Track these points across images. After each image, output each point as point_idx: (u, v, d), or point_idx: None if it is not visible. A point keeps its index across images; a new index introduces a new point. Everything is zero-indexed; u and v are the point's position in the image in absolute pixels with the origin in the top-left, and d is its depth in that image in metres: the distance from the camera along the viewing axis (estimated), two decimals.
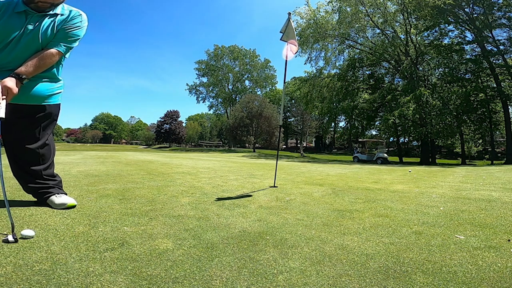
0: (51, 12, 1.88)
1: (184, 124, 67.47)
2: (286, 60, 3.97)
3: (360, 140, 25.76)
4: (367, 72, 26.22)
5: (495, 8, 17.64)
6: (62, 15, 1.92)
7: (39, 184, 2.06)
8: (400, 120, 20.83)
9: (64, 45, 1.91)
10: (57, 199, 2.08)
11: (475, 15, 18.57)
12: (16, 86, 1.69)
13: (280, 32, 3.84)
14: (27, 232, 1.49)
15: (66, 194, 2.22)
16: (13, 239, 1.41)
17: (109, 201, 2.41)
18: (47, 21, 1.86)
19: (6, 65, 1.79)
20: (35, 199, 2.15)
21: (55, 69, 1.98)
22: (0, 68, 1.78)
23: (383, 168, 11.07)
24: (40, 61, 1.81)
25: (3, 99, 1.61)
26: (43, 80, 1.92)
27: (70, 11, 1.96)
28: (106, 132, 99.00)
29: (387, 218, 2.24)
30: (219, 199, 2.78)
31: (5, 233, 1.51)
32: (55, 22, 1.88)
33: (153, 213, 2.10)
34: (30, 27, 1.81)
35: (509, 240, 1.72)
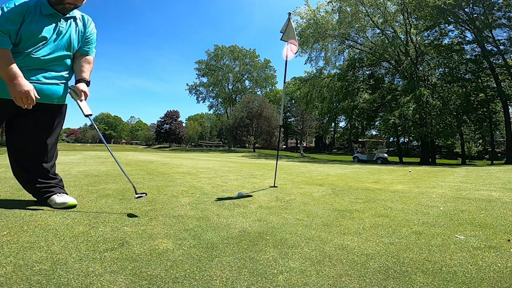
0: (72, 15, 2.01)
1: (184, 124, 67.47)
2: (286, 60, 3.97)
3: (360, 140, 25.74)
4: (367, 72, 26.21)
5: (495, 8, 17.63)
6: (78, 18, 2.07)
7: (42, 183, 2.06)
8: (400, 120, 20.83)
9: (94, 50, 2.18)
10: (58, 198, 2.08)
11: (475, 15, 18.57)
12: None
13: (280, 32, 3.84)
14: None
15: (67, 193, 2.22)
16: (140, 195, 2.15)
17: (109, 201, 2.41)
18: (73, 24, 2.02)
19: (44, 65, 1.88)
20: (35, 199, 2.15)
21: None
22: (37, 66, 1.85)
23: (383, 168, 11.07)
24: (91, 67, 2.13)
25: (81, 100, 2.02)
26: (66, 81, 2.06)
27: (82, 16, 2.11)
28: (106, 132, 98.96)
29: (387, 218, 2.24)
30: (219, 199, 2.78)
31: (5, 232, 1.51)
32: (78, 25, 2.04)
33: (153, 213, 2.10)
34: (63, 29, 1.94)
35: (509, 240, 1.72)
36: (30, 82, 1.79)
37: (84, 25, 2.07)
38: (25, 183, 2.10)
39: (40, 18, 1.83)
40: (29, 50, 1.80)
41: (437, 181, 5.27)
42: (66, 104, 2.12)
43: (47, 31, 1.86)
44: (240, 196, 2.95)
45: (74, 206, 2.13)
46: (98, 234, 1.59)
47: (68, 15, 1.98)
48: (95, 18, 2.16)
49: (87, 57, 2.11)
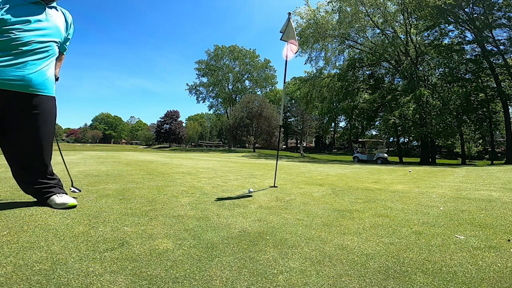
0: (54, 5, 2.05)
1: (184, 124, 67.42)
2: (286, 60, 3.97)
3: (360, 140, 25.73)
4: (367, 72, 26.20)
5: (495, 8, 17.62)
6: (60, 10, 2.12)
7: (42, 184, 2.06)
8: (400, 120, 20.82)
9: (67, 47, 2.25)
10: (58, 198, 2.08)
11: (475, 15, 18.56)
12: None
13: (280, 32, 3.83)
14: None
15: (66, 194, 2.22)
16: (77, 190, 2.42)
17: (109, 201, 2.41)
18: (58, 14, 2.07)
19: (33, 49, 1.87)
20: (35, 199, 2.15)
21: None
22: (26, 49, 1.83)
23: (383, 168, 11.07)
24: (61, 64, 2.26)
25: None
26: (52, 70, 2.07)
27: (64, 11, 2.15)
28: (106, 132, 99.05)
29: (387, 218, 2.24)
30: (219, 199, 2.78)
31: (5, 232, 1.51)
32: (61, 16, 2.10)
33: (153, 213, 2.10)
34: (50, 16, 1.99)
35: (509, 240, 1.72)
36: (18, 71, 1.78)
37: (66, 18, 2.15)
38: (25, 184, 2.08)
39: (23, 5, 1.88)
40: (15, 32, 1.79)
41: (437, 181, 5.27)
42: (55, 98, 2.08)
43: (32, 15, 1.89)
44: (250, 193, 3.10)
45: (74, 206, 2.12)
46: (98, 234, 1.59)
47: (51, 5, 2.03)
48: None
49: (62, 56, 2.24)
